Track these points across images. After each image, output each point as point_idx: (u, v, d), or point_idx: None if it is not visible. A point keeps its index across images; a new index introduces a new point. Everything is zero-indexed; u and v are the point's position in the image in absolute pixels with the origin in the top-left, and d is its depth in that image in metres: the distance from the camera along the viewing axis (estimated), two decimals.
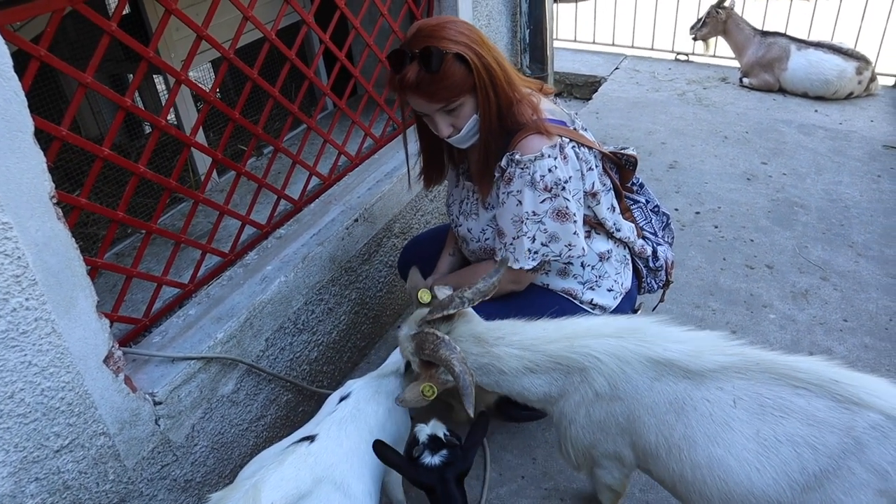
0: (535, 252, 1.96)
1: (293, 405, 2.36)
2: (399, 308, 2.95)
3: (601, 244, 2.14)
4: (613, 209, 2.16)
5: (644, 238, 2.30)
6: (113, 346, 1.64)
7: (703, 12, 5.53)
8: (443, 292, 1.79)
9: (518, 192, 1.92)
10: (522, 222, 1.94)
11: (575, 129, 2.05)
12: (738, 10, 5.42)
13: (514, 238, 1.96)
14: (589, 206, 2.07)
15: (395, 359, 1.82)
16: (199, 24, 1.81)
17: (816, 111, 5.00)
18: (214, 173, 2.87)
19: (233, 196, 2.18)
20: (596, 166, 2.05)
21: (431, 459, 1.57)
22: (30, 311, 1.42)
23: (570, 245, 1.98)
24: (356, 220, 2.47)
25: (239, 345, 2.03)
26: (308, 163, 2.47)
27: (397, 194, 2.72)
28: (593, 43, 6.21)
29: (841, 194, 3.93)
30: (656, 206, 2.37)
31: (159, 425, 1.81)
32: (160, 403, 1.80)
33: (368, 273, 2.64)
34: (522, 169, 1.90)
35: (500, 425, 2.45)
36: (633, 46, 6.10)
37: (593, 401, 1.63)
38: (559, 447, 1.82)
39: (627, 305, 2.25)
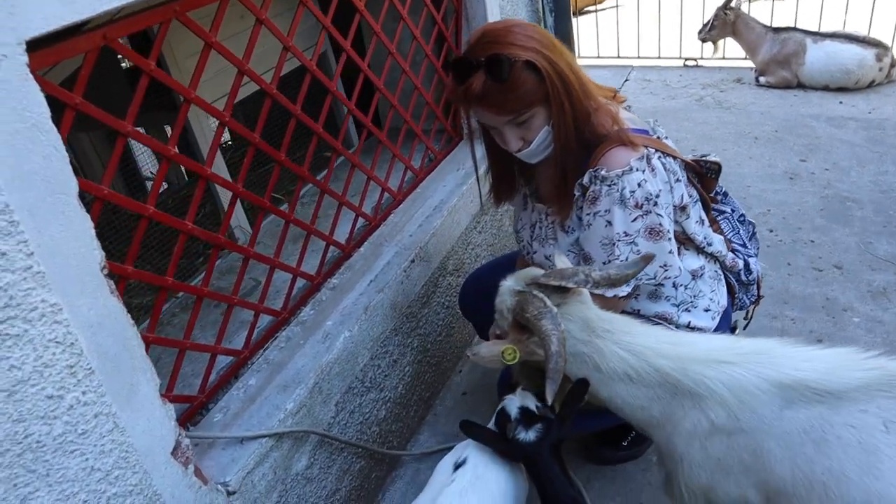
0: None
1: (366, 473, 2.10)
2: (458, 351, 2.71)
3: (693, 261, 1.93)
4: (702, 222, 1.96)
5: (734, 251, 2.09)
6: (180, 435, 1.40)
7: (707, 15, 5.42)
8: (563, 262, 1.59)
9: (606, 211, 1.72)
10: (613, 245, 1.74)
11: (658, 137, 1.86)
12: (744, 8, 5.30)
13: (604, 263, 1.75)
14: (677, 221, 1.86)
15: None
16: (240, 59, 1.61)
17: (841, 103, 4.85)
18: (246, 223, 2.65)
19: (282, 247, 1.96)
20: (682, 177, 1.85)
21: (526, 435, 1.47)
22: (88, 406, 1.18)
23: (665, 265, 1.77)
24: (413, 261, 2.25)
25: (310, 414, 1.79)
26: (348, 203, 2.25)
27: (449, 229, 2.51)
28: (598, 57, 6.08)
29: (891, 185, 3.74)
30: (742, 215, 2.17)
31: None
32: (234, 493, 1.55)
33: (427, 317, 2.41)
34: (609, 186, 1.70)
35: (595, 471, 2.20)
36: (639, 56, 5.98)
37: (709, 433, 1.41)
38: (667, 488, 1.58)
39: (725, 325, 2.04)
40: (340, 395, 1.92)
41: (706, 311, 1.95)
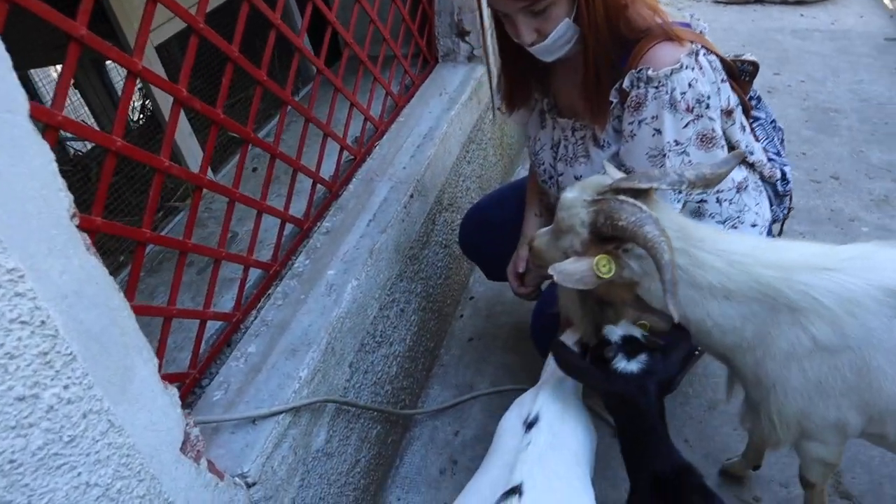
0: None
1: (383, 438, 1.86)
2: (456, 295, 2.47)
3: (736, 172, 1.72)
4: (744, 128, 1.75)
5: (770, 160, 1.90)
6: (188, 425, 1.11)
7: None
8: (615, 173, 1.35)
9: (654, 118, 1.49)
10: (664, 156, 1.51)
11: (701, 32, 1.62)
12: None
13: None
14: (722, 128, 1.64)
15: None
16: None
17: (802, 15, 4.75)
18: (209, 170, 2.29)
19: (268, 190, 1.64)
20: (726, 78, 1.63)
21: (628, 366, 1.22)
22: (73, 404, 0.88)
23: None
24: (411, 196, 1.97)
25: (325, 380, 1.52)
26: (333, 134, 1.93)
27: (442, 159, 2.22)
28: None
29: (869, 93, 3.66)
30: (773, 120, 1.97)
31: None
32: (254, 485, 1.28)
33: (428, 258, 2.14)
34: (657, 87, 1.47)
35: None
36: None
37: (810, 352, 1.23)
38: (748, 418, 1.43)
39: None
40: (354, 355, 1.65)
41: (753, 226, 1.76)
